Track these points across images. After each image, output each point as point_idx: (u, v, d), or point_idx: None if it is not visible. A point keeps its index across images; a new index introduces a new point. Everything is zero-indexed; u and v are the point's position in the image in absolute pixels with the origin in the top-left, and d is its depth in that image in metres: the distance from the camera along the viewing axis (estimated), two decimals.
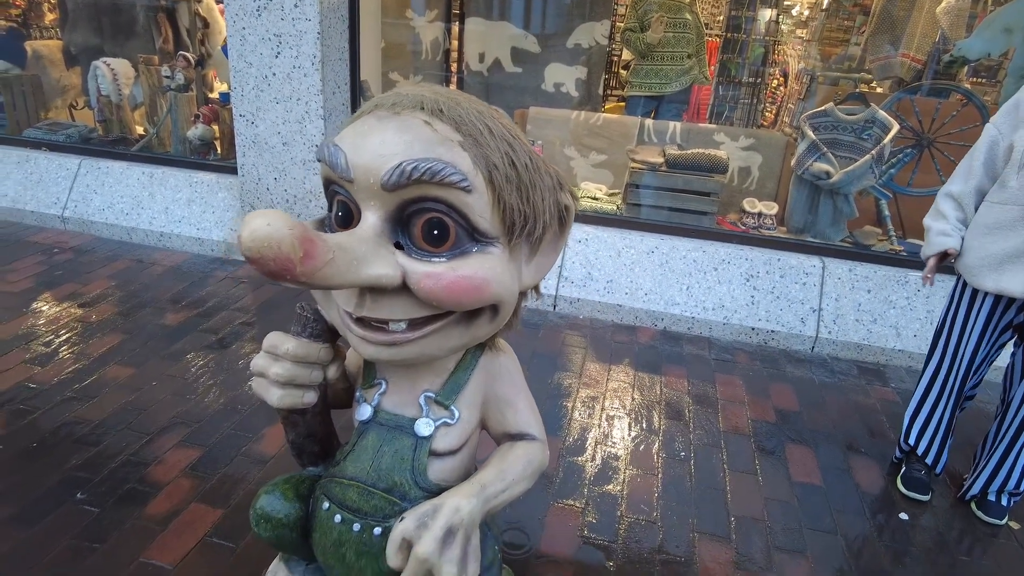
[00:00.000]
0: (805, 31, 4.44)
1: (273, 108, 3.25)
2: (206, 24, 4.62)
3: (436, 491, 1.11)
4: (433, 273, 0.96)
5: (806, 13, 4.87)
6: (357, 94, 3.52)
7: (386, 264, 0.95)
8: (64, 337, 2.61)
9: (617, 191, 3.57)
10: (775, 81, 4.52)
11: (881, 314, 2.93)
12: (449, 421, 1.16)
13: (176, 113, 4.05)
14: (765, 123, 4.52)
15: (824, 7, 4.05)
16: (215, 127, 4.00)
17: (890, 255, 3.08)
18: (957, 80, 3.55)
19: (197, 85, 4.40)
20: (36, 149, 3.93)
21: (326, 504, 1.17)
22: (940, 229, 1.91)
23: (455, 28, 3.93)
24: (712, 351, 2.92)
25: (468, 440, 1.20)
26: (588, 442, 2.22)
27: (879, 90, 3.60)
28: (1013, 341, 1.99)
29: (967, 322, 1.95)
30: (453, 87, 4.09)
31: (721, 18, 4.40)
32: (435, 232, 0.97)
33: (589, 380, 2.60)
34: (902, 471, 2.16)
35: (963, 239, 1.89)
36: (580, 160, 3.76)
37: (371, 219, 0.97)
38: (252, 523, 1.21)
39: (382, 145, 0.95)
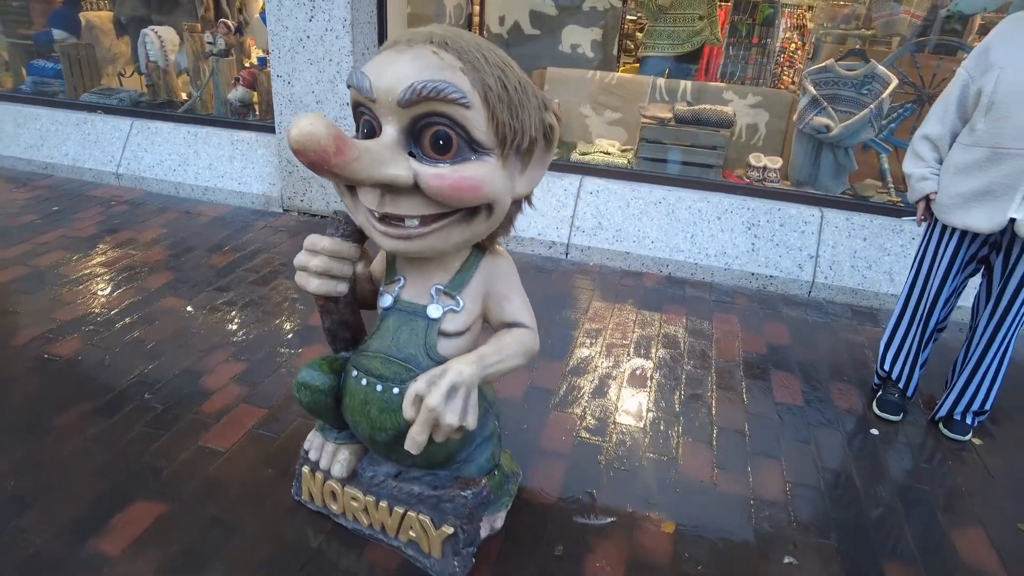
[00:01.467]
0: None
1: (307, 69, 3.50)
2: None
3: (443, 361, 1.36)
4: (439, 174, 1.21)
5: None
6: None
7: (401, 166, 1.20)
8: (125, 275, 2.93)
9: (630, 147, 3.75)
10: (793, 45, 4.61)
11: (876, 260, 3.09)
12: (455, 308, 1.42)
13: (218, 77, 4.34)
14: (782, 85, 4.62)
15: None
16: (254, 91, 4.28)
17: (887, 205, 3.22)
18: (967, 38, 3.63)
19: (236, 51, 4.67)
20: (92, 112, 4.26)
21: (355, 372, 1.44)
22: (920, 175, 2.07)
23: None
24: (713, 294, 3.13)
25: (471, 326, 1.46)
26: (589, 365, 2.46)
27: (891, 46, 3.70)
28: (981, 273, 2.16)
29: (936, 255, 2.12)
30: None
31: None
32: (440, 142, 1.22)
33: (594, 316, 2.83)
34: (878, 395, 2.35)
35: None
36: (595, 118, 3.94)
37: (390, 131, 1.22)
38: (294, 390, 1.49)
39: (398, 70, 1.20)
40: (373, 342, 1.45)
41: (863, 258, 3.12)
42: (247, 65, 4.45)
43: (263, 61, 4.29)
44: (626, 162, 3.58)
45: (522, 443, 2.01)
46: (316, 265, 1.39)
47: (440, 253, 1.37)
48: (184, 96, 4.54)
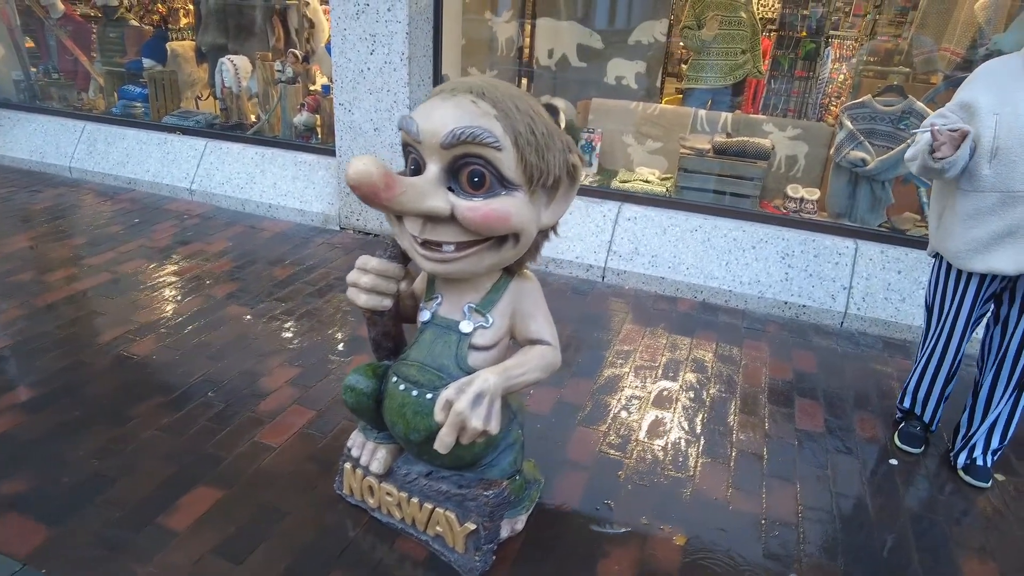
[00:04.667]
0: (856, 29, 4.59)
1: (367, 98, 3.77)
2: (311, 25, 5.24)
3: (472, 371, 1.53)
4: (473, 207, 1.39)
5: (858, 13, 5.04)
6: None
7: (441, 199, 1.39)
8: (194, 283, 3.21)
9: (670, 175, 3.87)
10: (841, 76, 4.66)
11: (910, 293, 3.12)
12: (484, 325, 1.59)
13: (285, 102, 4.67)
14: (830, 116, 4.67)
15: (877, 3, 4.19)
16: (317, 116, 4.59)
17: (923, 239, 3.24)
18: None
19: (303, 78, 5.01)
20: (171, 133, 4.65)
21: (395, 378, 1.63)
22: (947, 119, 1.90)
23: (528, 26, 4.34)
24: (745, 321, 3.21)
25: (499, 342, 1.63)
26: (617, 385, 2.58)
27: (933, 80, 3.72)
28: (991, 312, 2.16)
29: (954, 299, 2.12)
30: (524, 81, 4.51)
31: (775, 16, 4.62)
32: (475, 179, 1.41)
33: (626, 338, 2.95)
34: (900, 426, 2.39)
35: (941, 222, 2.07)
36: (637, 147, 4.08)
37: (432, 169, 1.41)
38: (342, 393, 1.68)
39: (442, 117, 1.39)
40: (412, 352, 1.64)
41: (897, 291, 3.15)
42: (312, 91, 4.77)
43: (327, 88, 4.59)
44: (665, 190, 3.70)
45: (547, 453, 2.15)
46: (365, 282, 1.59)
47: (473, 275, 1.55)
48: (253, 119, 4.89)
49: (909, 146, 2.04)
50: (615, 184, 3.82)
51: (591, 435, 2.28)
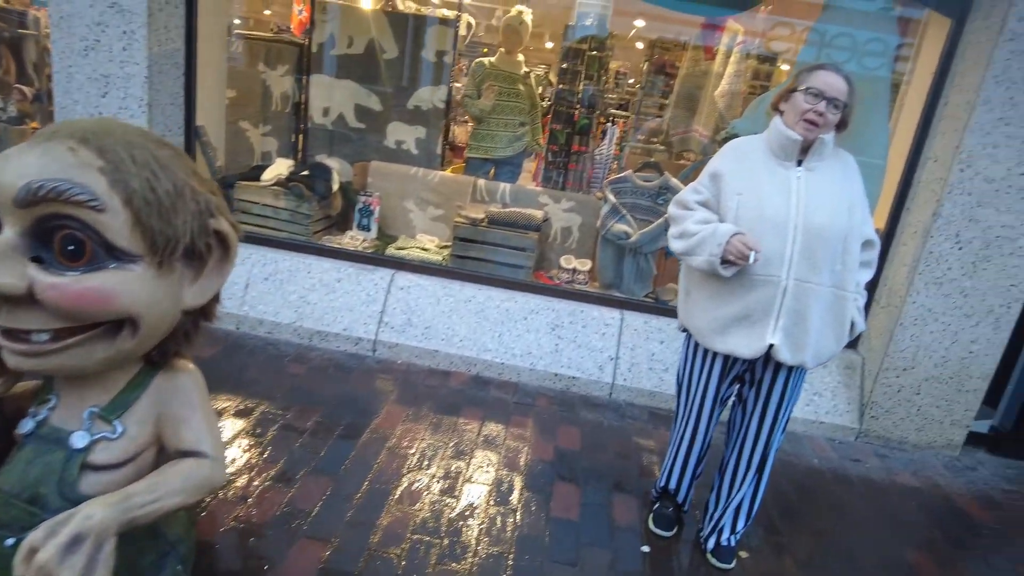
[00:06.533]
0: (625, 108, 4.98)
1: None
2: None
3: (82, 502, 1.13)
4: (59, 284, 1.04)
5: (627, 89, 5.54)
6: (192, 138, 3.56)
7: (10, 274, 1.02)
8: None
9: (449, 244, 3.73)
10: (619, 152, 4.92)
11: (672, 363, 3.19)
12: (110, 436, 1.21)
13: (5, 145, 3.92)
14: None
15: (642, 85, 4.54)
16: None
17: None
18: None
19: (41, 118, 4.30)
20: None
21: None
22: (698, 224, 1.89)
23: (305, 81, 4.08)
24: (516, 395, 3.06)
25: (136, 456, 1.24)
26: (360, 480, 2.26)
27: (688, 158, 4.02)
28: (735, 392, 2.15)
29: (702, 378, 2.06)
30: (300, 138, 4.21)
31: (551, 91, 4.84)
32: (71, 247, 1.06)
33: (385, 421, 2.65)
34: (654, 507, 2.32)
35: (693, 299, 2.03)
36: (418, 213, 3.92)
37: (7, 233, 1.04)
38: None
39: (20, 167, 1.04)
40: (1, 478, 1.20)
41: (660, 361, 3.21)
42: None
43: None
44: (442, 259, 3.54)
45: None
46: None
47: (84, 371, 1.18)
48: None
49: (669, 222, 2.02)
50: (390, 251, 3.59)
51: (314, 550, 1.92)
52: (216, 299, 1.34)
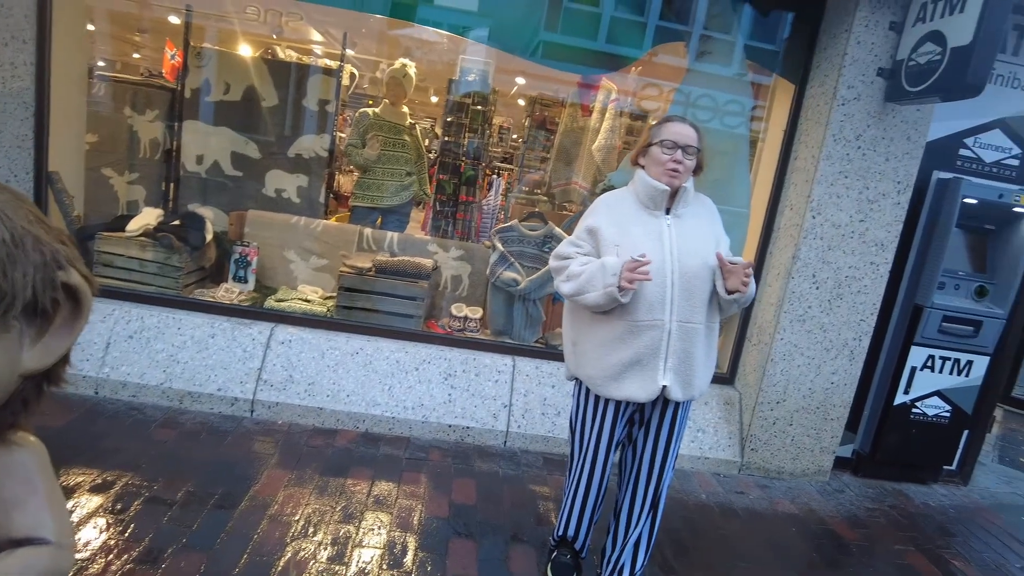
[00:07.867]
0: (509, 161, 5.13)
1: None
2: None
3: None
4: None
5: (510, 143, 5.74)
6: (43, 185, 3.24)
7: None
8: None
9: (334, 295, 3.60)
10: (506, 202, 5.01)
11: (564, 407, 3.21)
12: None
13: None
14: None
15: (524, 140, 4.71)
16: None
17: None
18: None
19: None
20: None
21: None
22: (582, 266, 1.95)
23: (177, 127, 3.86)
24: (408, 451, 2.95)
25: None
26: (239, 553, 2.06)
27: (571, 209, 4.16)
28: (625, 433, 2.20)
29: (596, 424, 2.07)
30: (172, 186, 3.95)
31: (437, 143, 4.90)
32: None
33: (265, 488, 2.45)
34: (552, 556, 2.28)
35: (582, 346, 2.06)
36: (300, 263, 3.76)
37: None
38: None
39: None
40: None
41: (552, 405, 3.22)
42: None
43: None
44: (326, 310, 3.40)
45: None
46: None
47: None
48: None
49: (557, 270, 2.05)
50: (269, 303, 3.41)
51: None
52: (65, 361, 1.18)
